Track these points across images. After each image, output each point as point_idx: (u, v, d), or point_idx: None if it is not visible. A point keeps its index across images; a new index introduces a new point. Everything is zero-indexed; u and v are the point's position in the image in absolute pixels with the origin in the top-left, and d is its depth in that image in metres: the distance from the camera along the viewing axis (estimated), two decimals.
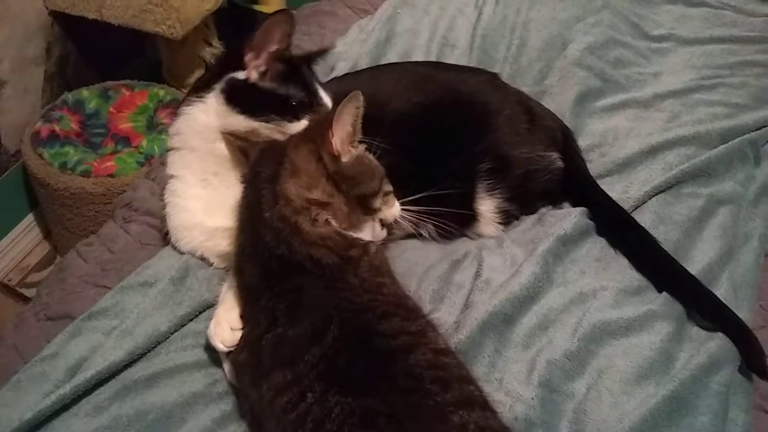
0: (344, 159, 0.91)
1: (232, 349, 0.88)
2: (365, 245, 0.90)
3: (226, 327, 0.88)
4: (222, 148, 1.03)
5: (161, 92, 2.10)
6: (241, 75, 1.03)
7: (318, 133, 0.91)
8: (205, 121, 1.04)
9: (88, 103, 2.10)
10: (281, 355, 0.79)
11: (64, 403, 0.86)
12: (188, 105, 1.06)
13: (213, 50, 2.23)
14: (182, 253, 1.07)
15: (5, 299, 1.86)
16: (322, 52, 1.21)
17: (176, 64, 2.21)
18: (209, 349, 0.94)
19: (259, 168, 0.92)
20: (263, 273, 0.84)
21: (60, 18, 2.05)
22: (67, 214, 1.99)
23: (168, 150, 1.10)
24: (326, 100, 1.07)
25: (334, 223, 0.88)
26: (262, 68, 1.03)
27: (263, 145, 0.97)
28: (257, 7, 2.56)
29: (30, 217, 2.20)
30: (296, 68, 1.07)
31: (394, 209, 0.99)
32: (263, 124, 1.02)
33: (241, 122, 1.02)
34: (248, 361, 0.82)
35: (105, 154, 1.99)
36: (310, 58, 1.15)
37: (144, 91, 2.12)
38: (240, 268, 0.89)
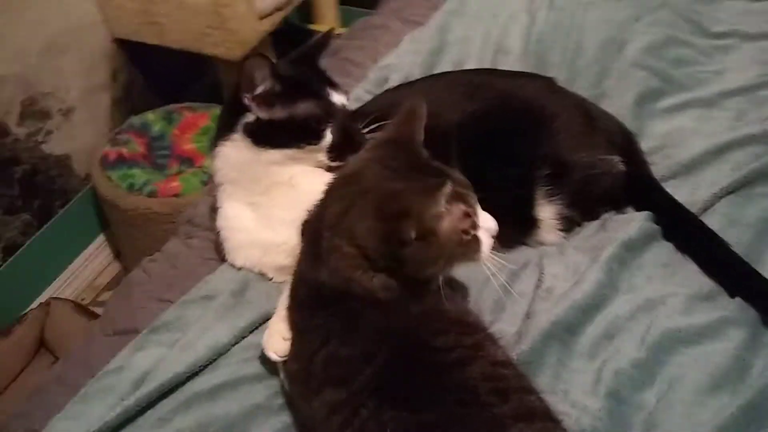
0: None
1: (285, 358, 0.89)
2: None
3: (278, 338, 0.89)
4: (263, 174, 1.04)
5: None
6: (250, 117, 1.03)
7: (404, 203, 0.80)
8: (240, 157, 1.05)
9: (153, 126, 2.16)
10: (334, 373, 0.78)
11: (128, 416, 0.88)
12: (220, 146, 1.08)
13: None
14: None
15: (79, 318, 1.91)
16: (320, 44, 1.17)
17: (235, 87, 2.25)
18: (268, 361, 0.94)
19: (329, 200, 0.87)
20: (317, 296, 0.84)
21: (124, 45, 2.14)
22: (135, 234, 2.05)
23: (212, 183, 1.11)
24: (337, 99, 1.05)
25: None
26: (263, 107, 1.02)
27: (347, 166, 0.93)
28: (313, 27, 2.61)
29: (101, 238, 2.28)
30: (297, 83, 1.05)
31: (488, 222, 0.88)
32: (296, 152, 1.02)
33: (276, 156, 1.03)
34: (299, 374, 0.82)
35: (170, 175, 2.05)
36: (312, 54, 1.14)
37: (205, 112, 2.18)
38: (295, 286, 0.89)
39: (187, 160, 2.11)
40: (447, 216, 0.80)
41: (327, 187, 0.90)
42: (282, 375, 0.92)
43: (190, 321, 0.99)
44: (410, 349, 0.78)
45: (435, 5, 1.59)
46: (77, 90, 2.07)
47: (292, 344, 0.86)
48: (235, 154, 1.06)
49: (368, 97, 1.35)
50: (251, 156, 1.04)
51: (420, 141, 0.90)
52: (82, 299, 2.17)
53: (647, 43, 1.38)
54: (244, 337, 0.99)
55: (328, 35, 1.16)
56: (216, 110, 2.17)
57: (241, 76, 1.01)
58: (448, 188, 0.78)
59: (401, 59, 1.43)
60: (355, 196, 0.83)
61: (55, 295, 2.10)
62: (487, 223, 0.87)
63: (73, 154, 2.11)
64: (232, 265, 1.08)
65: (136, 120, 2.16)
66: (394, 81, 1.38)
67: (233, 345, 0.97)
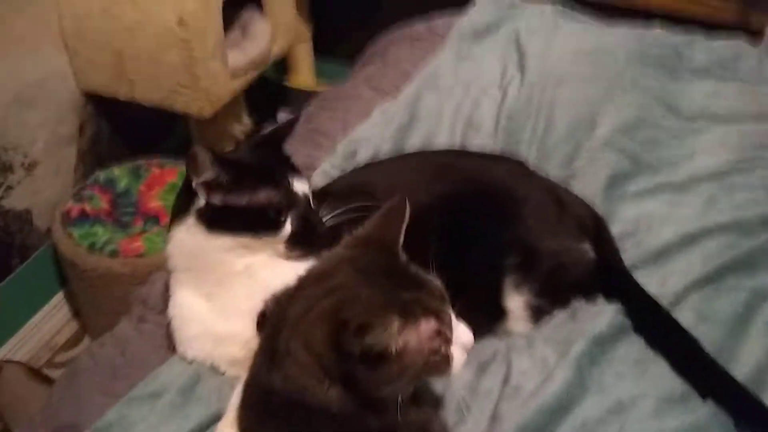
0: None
1: None
2: None
3: None
4: (217, 262, 1.00)
5: None
6: (202, 202, 0.98)
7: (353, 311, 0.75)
8: (193, 243, 1.01)
9: (119, 182, 2.12)
10: None
11: None
12: (173, 230, 1.03)
13: (242, 127, 2.25)
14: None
15: (32, 383, 1.84)
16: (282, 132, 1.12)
17: (206, 141, 2.23)
18: None
19: (294, 298, 0.82)
20: (268, 401, 0.79)
21: (92, 98, 2.09)
22: (95, 294, 1.99)
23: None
24: (299, 188, 1.01)
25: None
26: (210, 193, 0.98)
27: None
28: (288, 83, 2.59)
29: (59, 296, 2.20)
30: (255, 169, 1.01)
31: (462, 336, 0.83)
32: (251, 240, 0.98)
33: (230, 243, 0.98)
34: None
35: (134, 234, 2.00)
36: (277, 138, 1.09)
37: (174, 168, 2.14)
38: (247, 387, 0.84)
39: (153, 219, 2.06)
40: (413, 334, 0.76)
41: (296, 283, 0.85)
42: None
43: (135, 421, 0.93)
44: None
45: (408, 76, 1.57)
46: (42, 143, 2.02)
47: None
48: (188, 240, 1.01)
49: (335, 173, 1.32)
50: (204, 242, 0.99)
51: (399, 243, 0.85)
52: (39, 359, 2.09)
53: (619, 123, 1.37)
54: None
55: (294, 122, 1.12)
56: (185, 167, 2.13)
57: (187, 163, 0.97)
58: (417, 311, 0.74)
59: (371, 132, 1.40)
60: (318, 297, 0.79)
61: (10, 354, 2.02)
62: (461, 338, 0.82)
63: (34, 209, 2.05)
64: (183, 357, 1.02)
65: (101, 175, 2.11)
66: (363, 155, 1.35)
67: None
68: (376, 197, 1.12)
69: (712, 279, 1.12)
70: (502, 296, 1.09)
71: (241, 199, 0.98)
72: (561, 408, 0.96)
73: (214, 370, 1.02)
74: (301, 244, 1.00)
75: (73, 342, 2.17)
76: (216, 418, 0.94)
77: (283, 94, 2.58)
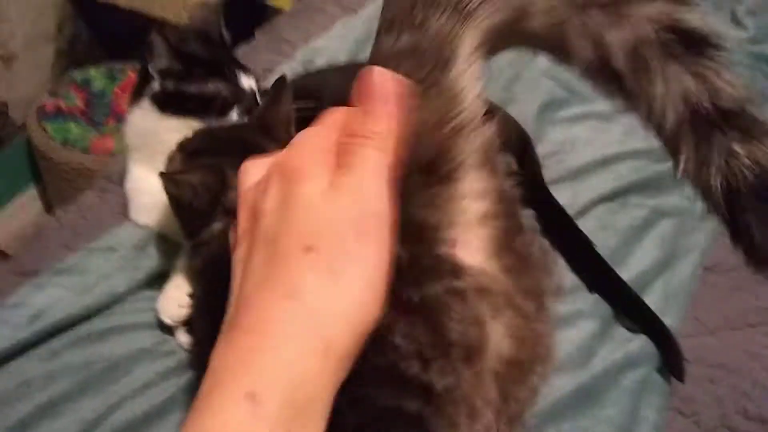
0: None
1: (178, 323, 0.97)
2: None
3: (174, 304, 0.97)
4: (166, 141, 1.07)
5: None
6: (157, 86, 1.08)
7: None
8: (146, 124, 1.11)
9: (94, 82, 2.19)
10: None
11: (22, 347, 0.95)
12: (129, 112, 1.14)
13: None
14: None
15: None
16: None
17: None
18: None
19: None
20: None
21: None
22: (66, 189, 2.07)
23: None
24: (246, 83, 1.11)
25: None
26: (166, 79, 1.08)
27: None
28: (266, 1, 2.64)
29: (33, 191, 2.29)
30: (207, 61, 1.10)
31: None
32: (200, 122, 1.08)
33: (178, 124, 1.08)
34: None
35: (106, 133, 2.09)
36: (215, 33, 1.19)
37: None
38: None
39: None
40: None
41: None
42: (179, 334, 0.99)
43: (92, 268, 1.05)
44: None
45: None
46: (21, 37, 2.08)
47: None
48: (141, 121, 1.12)
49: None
50: (156, 123, 1.09)
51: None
52: (8, 248, 2.19)
53: None
54: (139, 288, 1.06)
55: (215, 9, 1.23)
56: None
57: (145, 48, 1.08)
58: None
59: (329, 43, 1.50)
60: None
61: None
62: None
63: (10, 102, 2.13)
64: (136, 223, 1.14)
65: (77, 74, 2.18)
66: (319, 63, 1.45)
67: (129, 295, 1.04)
68: (322, 100, 1.24)
69: (617, 195, 1.25)
70: None
71: (192, 88, 1.08)
72: None
73: (162, 236, 1.14)
74: None
75: None
76: (163, 274, 1.07)
77: (263, 12, 2.62)
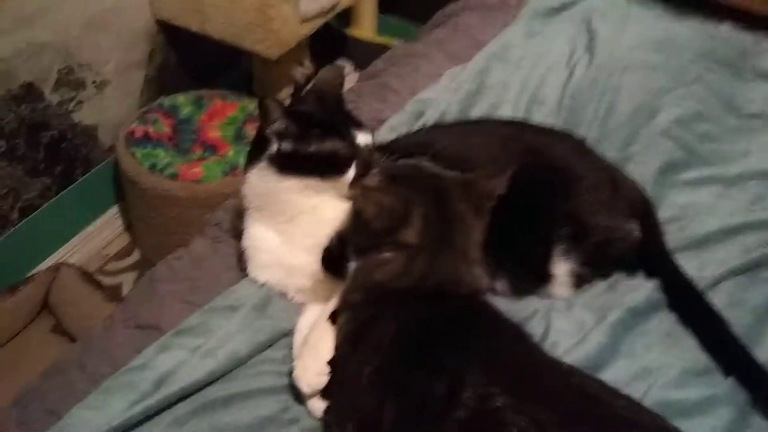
0: None
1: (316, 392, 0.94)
2: None
3: (312, 373, 0.94)
4: (286, 203, 1.09)
5: (251, 106, 2.19)
6: (274, 148, 1.08)
7: None
8: (265, 186, 1.11)
9: (182, 109, 2.20)
10: None
11: (148, 414, 0.93)
12: (248, 174, 1.13)
13: (304, 70, 2.31)
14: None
15: (85, 285, 1.95)
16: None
17: (268, 80, 2.30)
18: (283, 375, 0.99)
19: None
20: None
21: (164, 27, 2.18)
22: (150, 213, 2.10)
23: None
24: (362, 140, 1.10)
25: None
26: (282, 141, 1.08)
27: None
28: (349, 31, 2.64)
29: (115, 209, 2.32)
30: (322, 121, 1.10)
31: None
32: (318, 182, 1.08)
33: (298, 185, 1.08)
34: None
35: (192, 160, 2.09)
36: (333, 92, 1.19)
37: (235, 102, 2.22)
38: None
39: (211, 148, 2.15)
40: None
41: None
42: (312, 403, 0.97)
43: (213, 329, 1.03)
44: None
45: (478, 44, 1.63)
46: (113, 65, 2.11)
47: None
48: (261, 182, 1.11)
49: (402, 129, 1.39)
50: (275, 184, 1.09)
51: None
52: (90, 265, 2.21)
53: (678, 114, 1.43)
54: (261, 351, 1.03)
55: (341, 72, 1.22)
56: (246, 102, 2.21)
57: (260, 113, 1.09)
58: None
59: (439, 95, 1.47)
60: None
61: (65, 257, 2.15)
62: None
63: (100, 125, 2.15)
64: (256, 281, 1.12)
65: (166, 101, 2.20)
66: (430, 116, 1.42)
67: (251, 357, 1.02)
68: (439, 157, 1.21)
69: (747, 269, 1.19)
70: (550, 262, 1.16)
71: (310, 147, 1.07)
72: (592, 367, 1.04)
73: (282, 295, 1.12)
74: None
75: (124, 253, 2.29)
76: (284, 335, 1.05)
77: (344, 42, 2.62)
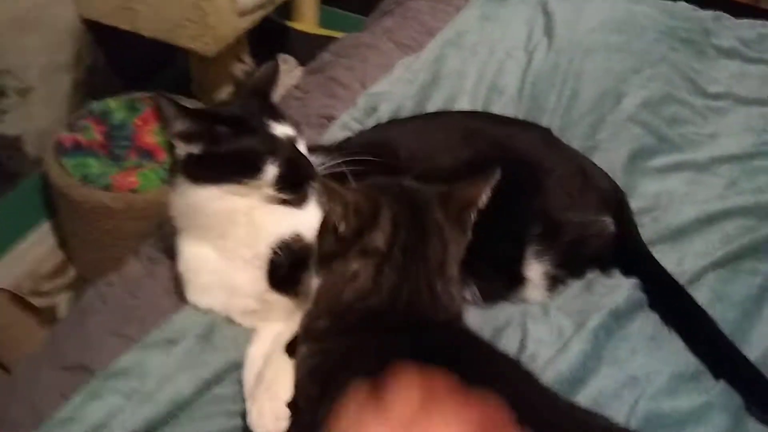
0: None
1: None
2: None
3: (270, 418, 0.83)
4: (215, 213, 0.97)
5: None
6: (182, 153, 0.96)
7: None
8: (188, 200, 0.98)
9: (114, 114, 2.06)
10: None
11: None
12: (170, 191, 1.02)
13: (244, 67, 2.19)
14: None
15: (16, 310, 1.80)
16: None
17: (206, 79, 2.18)
18: (235, 416, 0.87)
19: None
20: None
21: (92, 26, 2.01)
22: (84, 227, 1.96)
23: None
24: (281, 132, 0.98)
25: None
26: (185, 143, 0.96)
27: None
28: (290, 24, 2.53)
29: (47, 226, 2.15)
30: (230, 118, 0.98)
31: None
32: (237, 187, 0.95)
33: (216, 192, 0.96)
34: None
35: (127, 168, 1.95)
36: (263, 86, 1.06)
37: None
38: None
39: (148, 154, 2.01)
40: None
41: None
42: None
43: (151, 368, 0.91)
44: None
45: (429, 31, 1.53)
46: (37, 69, 1.94)
47: None
48: (181, 198, 0.99)
49: (355, 126, 1.29)
50: (195, 196, 0.97)
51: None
52: (21, 288, 2.05)
53: (644, 98, 1.36)
54: (208, 389, 0.91)
55: (275, 67, 1.08)
56: (185, 102, 2.07)
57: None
58: None
59: (393, 88, 1.37)
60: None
61: None
62: None
63: (25, 135, 1.99)
64: (197, 307, 1.00)
65: (96, 106, 2.05)
66: (384, 111, 1.32)
67: (196, 398, 0.90)
68: (399, 156, 1.10)
69: (729, 261, 1.12)
70: (522, 264, 1.08)
71: (220, 148, 0.95)
72: (576, 379, 0.96)
73: (228, 320, 1.00)
74: (289, 187, 0.97)
75: (58, 272, 2.13)
76: (233, 367, 0.93)
77: (286, 36, 2.51)
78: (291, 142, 0.99)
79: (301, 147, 1.01)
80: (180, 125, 0.94)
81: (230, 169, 0.95)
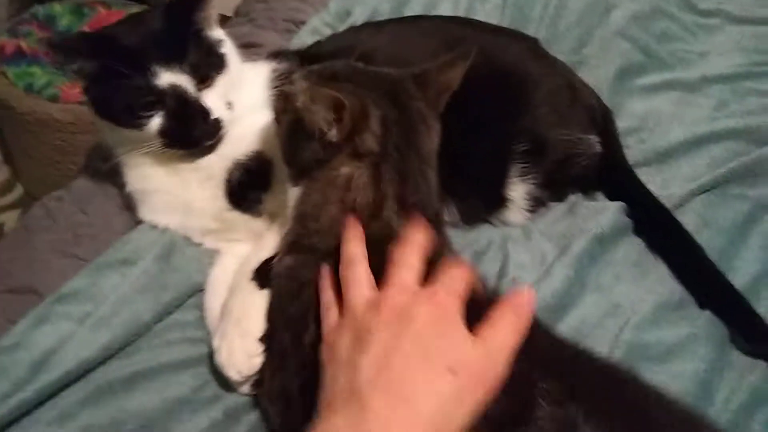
0: None
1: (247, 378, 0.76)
2: None
3: (242, 356, 0.75)
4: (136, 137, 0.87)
5: None
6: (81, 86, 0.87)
7: None
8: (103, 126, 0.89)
9: (59, 20, 1.93)
10: None
11: (26, 409, 0.73)
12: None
13: None
14: None
15: None
16: None
17: None
18: (197, 343, 0.81)
19: None
20: None
21: None
22: (30, 141, 1.85)
23: None
24: (168, 80, 0.84)
25: None
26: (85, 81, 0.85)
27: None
28: None
29: None
30: (119, 56, 0.82)
31: None
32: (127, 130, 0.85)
33: (115, 132, 0.87)
34: None
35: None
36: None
37: (122, 11, 1.94)
38: None
39: None
40: None
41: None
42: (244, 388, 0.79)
43: (105, 290, 0.83)
44: None
45: None
46: None
47: None
48: (100, 122, 0.89)
49: (326, 31, 1.18)
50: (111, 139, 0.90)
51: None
52: None
53: (634, 11, 1.28)
54: (169, 313, 0.84)
55: None
56: (135, 9, 1.92)
57: None
58: None
59: None
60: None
61: None
62: None
63: None
64: (154, 225, 0.91)
65: (40, 10, 1.92)
66: (359, 15, 1.22)
67: (155, 323, 0.83)
68: (374, 63, 1.01)
69: (716, 185, 1.08)
70: (505, 184, 1.02)
71: (98, 92, 0.85)
72: (560, 307, 0.92)
73: (189, 240, 0.92)
74: (177, 143, 0.86)
75: (4, 189, 2.02)
76: (195, 290, 0.86)
77: None
78: (179, 93, 0.84)
79: (210, 95, 0.87)
80: (77, 63, 0.82)
81: (118, 114, 0.85)
